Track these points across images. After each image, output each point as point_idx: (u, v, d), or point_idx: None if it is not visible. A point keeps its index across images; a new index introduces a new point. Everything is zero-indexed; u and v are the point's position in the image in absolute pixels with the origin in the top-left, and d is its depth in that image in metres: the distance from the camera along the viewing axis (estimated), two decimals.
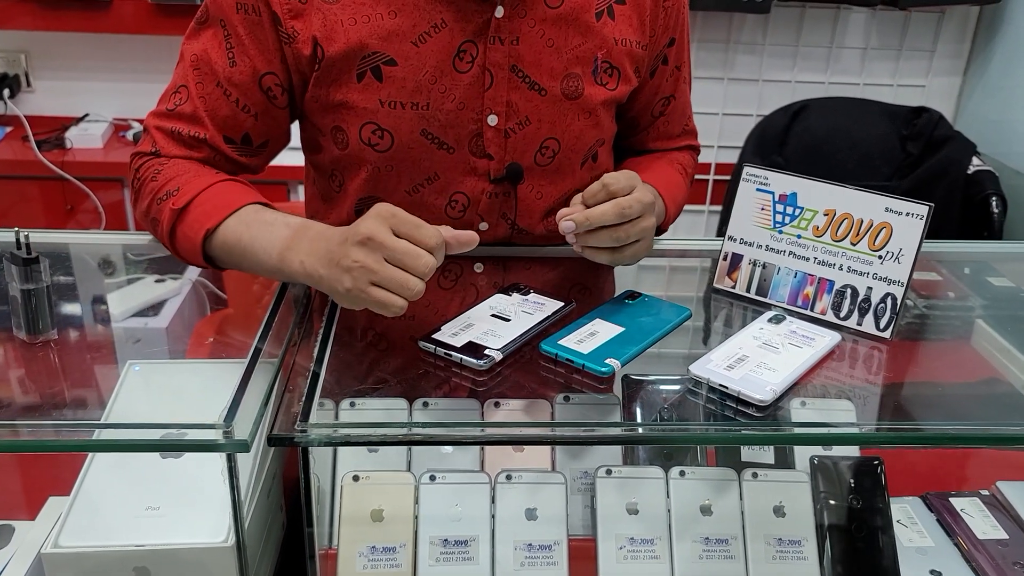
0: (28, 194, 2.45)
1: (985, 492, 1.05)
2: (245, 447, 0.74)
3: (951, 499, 1.04)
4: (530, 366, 0.90)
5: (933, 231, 2.14)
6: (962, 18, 2.45)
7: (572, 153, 1.09)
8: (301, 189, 1.49)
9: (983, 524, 1.00)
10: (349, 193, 1.10)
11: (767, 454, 0.98)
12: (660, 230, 1.22)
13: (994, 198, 2.07)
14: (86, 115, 2.58)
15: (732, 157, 2.41)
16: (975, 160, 2.16)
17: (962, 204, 2.13)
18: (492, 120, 1.04)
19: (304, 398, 0.79)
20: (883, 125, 2.22)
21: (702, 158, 2.67)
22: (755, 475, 0.93)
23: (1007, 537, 0.98)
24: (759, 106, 2.46)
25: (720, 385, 0.84)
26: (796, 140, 2.21)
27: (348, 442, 0.82)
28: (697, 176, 1.84)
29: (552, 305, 0.97)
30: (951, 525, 1.00)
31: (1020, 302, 1.22)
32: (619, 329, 0.93)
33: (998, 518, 1.01)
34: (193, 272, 1.21)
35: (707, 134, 2.52)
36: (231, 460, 0.76)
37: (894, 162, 2.21)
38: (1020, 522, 1.01)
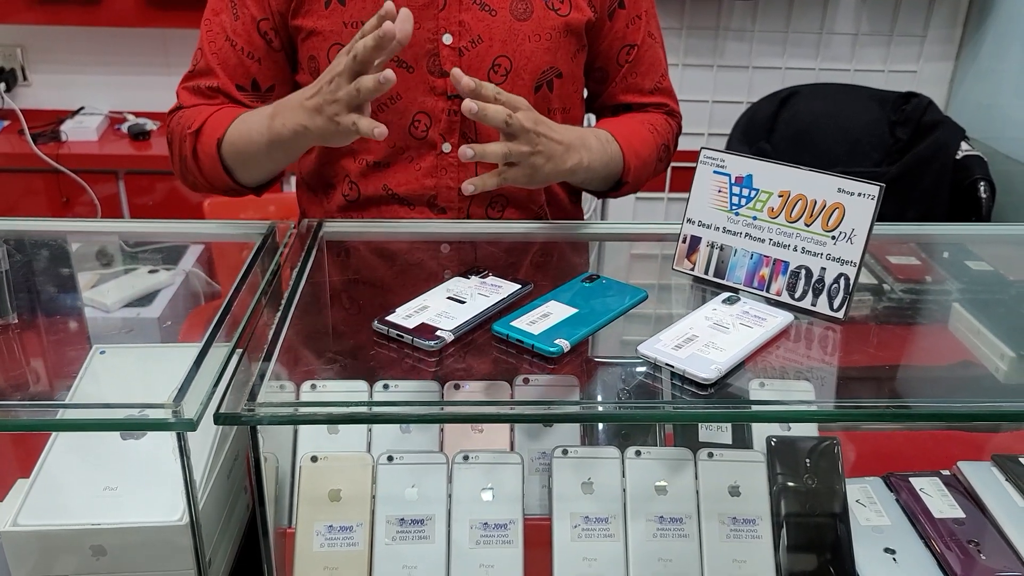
0: (24, 187, 2.48)
1: (946, 472, 1.06)
2: (191, 426, 0.75)
3: (911, 479, 1.04)
4: (483, 347, 0.91)
5: (922, 216, 2.14)
6: (953, 3, 2.44)
7: (524, 73, 1.17)
8: (293, 180, 1.61)
9: (941, 503, 1.00)
10: None
11: (725, 435, 0.98)
12: (624, 183, 1.26)
13: (982, 183, 2.07)
14: (81, 108, 2.61)
15: (723, 144, 2.41)
16: (964, 145, 2.15)
17: (951, 189, 2.13)
18: (447, 39, 1.14)
19: (255, 378, 0.80)
20: (872, 111, 2.22)
21: (691, 145, 2.66)
22: (711, 455, 0.94)
23: (964, 516, 0.98)
24: (749, 93, 2.45)
25: (666, 364, 0.85)
26: (784, 127, 2.21)
27: (295, 420, 0.83)
28: (685, 164, 1.86)
29: (509, 287, 0.98)
30: (909, 504, 1.00)
31: (997, 285, 1.22)
32: (572, 310, 0.93)
33: (956, 498, 1.01)
34: (187, 262, 1.24)
35: (697, 122, 2.53)
36: (181, 439, 0.78)
37: (883, 148, 2.20)
38: (979, 501, 1.01)
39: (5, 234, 1.00)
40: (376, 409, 0.85)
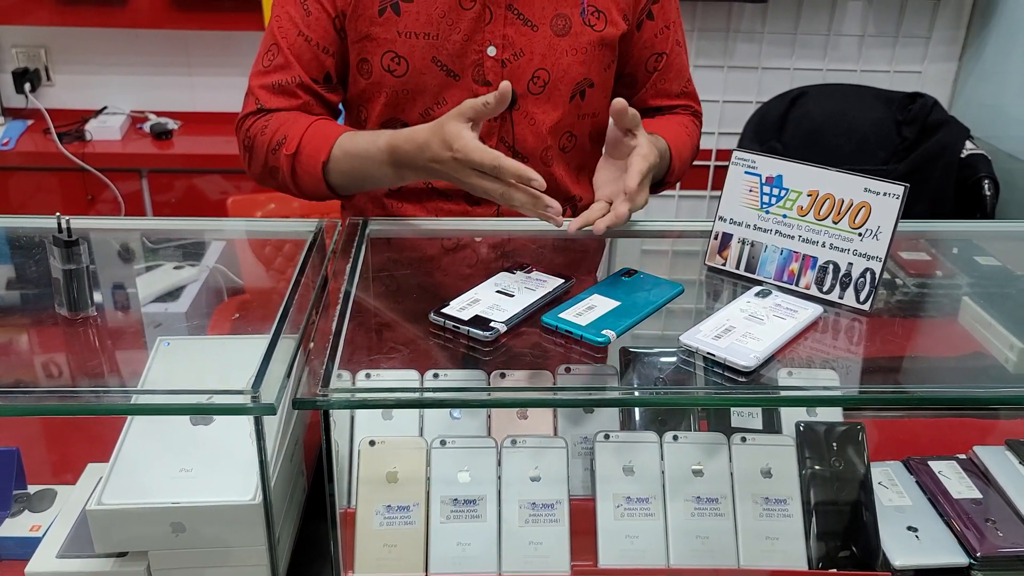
0: (49, 184, 2.53)
1: (962, 456, 1.12)
2: (272, 410, 0.81)
3: (930, 463, 1.10)
4: (533, 337, 0.97)
5: (928, 213, 2.20)
6: (957, 5, 2.50)
7: (561, 84, 1.25)
8: None
9: (959, 485, 1.06)
10: (372, 119, 1.27)
11: (756, 420, 1.04)
12: (665, 183, 1.35)
13: (987, 181, 2.13)
14: (105, 108, 2.66)
15: (733, 143, 2.47)
16: (968, 144, 2.21)
17: (956, 187, 2.19)
18: (491, 51, 1.21)
19: (324, 366, 0.86)
20: (879, 110, 2.28)
21: (702, 144, 2.74)
22: (743, 439, 1.00)
23: (981, 497, 1.05)
24: (759, 93, 2.51)
25: (708, 353, 0.90)
26: (794, 126, 2.27)
27: (365, 405, 0.89)
28: (698, 162, 1.92)
29: (553, 282, 1.04)
30: (929, 486, 1.06)
31: (1005, 279, 1.28)
32: (615, 303, 0.99)
33: (973, 480, 1.07)
34: (210, 259, 1.29)
35: (708, 121, 2.57)
36: (258, 423, 0.83)
37: (890, 146, 2.26)
38: (994, 483, 1.07)
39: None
40: (438, 395, 0.91)
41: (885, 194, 1.00)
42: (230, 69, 1.20)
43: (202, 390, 0.84)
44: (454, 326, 0.95)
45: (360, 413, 1.00)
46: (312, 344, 0.92)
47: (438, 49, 1.20)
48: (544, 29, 1.22)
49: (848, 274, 1.02)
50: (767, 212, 1.06)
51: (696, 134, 1.40)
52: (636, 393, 1.02)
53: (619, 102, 1.11)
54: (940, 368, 1.05)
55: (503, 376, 0.96)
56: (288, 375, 0.86)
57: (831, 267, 1.03)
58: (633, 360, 1.01)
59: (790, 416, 1.03)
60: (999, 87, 2.43)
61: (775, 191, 1.06)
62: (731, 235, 1.09)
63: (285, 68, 1.24)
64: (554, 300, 1.01)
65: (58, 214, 0.96)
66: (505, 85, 1.05)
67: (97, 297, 1.05)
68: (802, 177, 1.04)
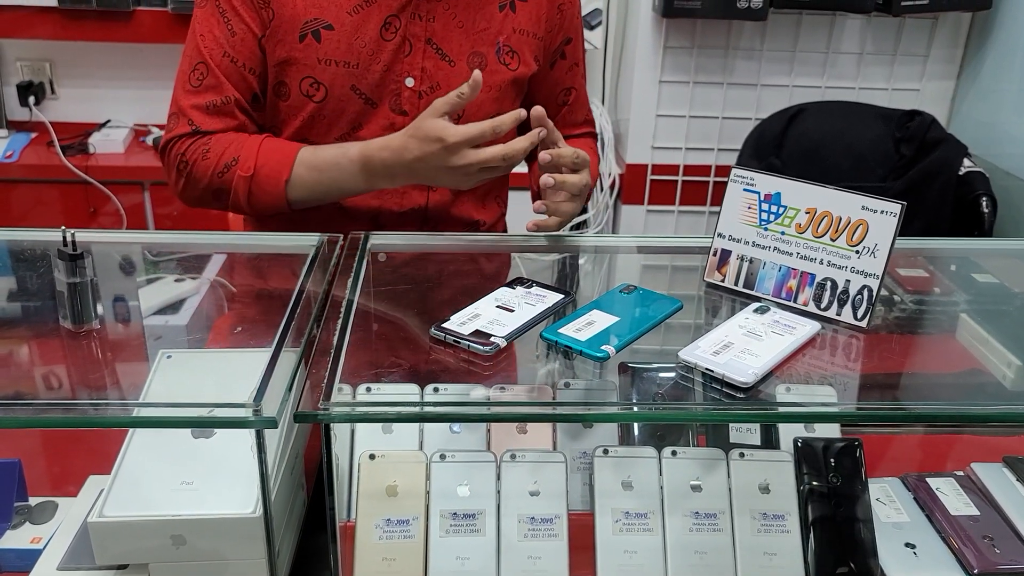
0: (52, 197, 2.54)
1: (960, 473, 1.12)
2: (273, 423, 0.81)
3: (928, 479, 1.10)
4: (533, 352, 0.97)
5: (926, 230, 2.21)
6: (954, 24, 2.51)
7: (473, 119, 1.25)
8: None
9: (957, 502, 1.07)
10: (284, 139, 1.27)
11: (754, 436, 1.05)
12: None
13: (984, 198, 2.14)
14: (108, 121, 2.67)
15: (732, 160, 2.48)
16: (966, 162, 2.22)
17: (954, 204, 2.20)
18: (409, 82, 1.25)
19: (326, 380, 0.87)
20: (877, 128, 2.29)
21: (702, 160, 2.75)
22: (742, 455, 1.00)
23: (978, 514, 1.05)
24: (757, 110, 2.52)
25: (707, 369, 0.91)
26: (793, 143, 2.28)
27: (366, 418, 0.89)
28: (697, 178, 1.92)
29: (553, 297, 1.05)
30: (927, 503, 1.07)
31: (1002, 297, 1.29)
32: (614, 319, 1.00)
33: (971, 497, 1.08)
34: (211, 271, 1.30)
35: (707, 137, 2.60)
36: (260, 436, 0.84)
37: (888, 164, 2.27)
38: (992, 500, 1.07)
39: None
40: (438, 409, 0.92)
41: (882, 212, 1.00)
42: None
43: (204, 403, 0.84)
44: (455, 340, 0.95)
45: (360, 427, 1.01)
46: (313, 358, 0.92)
47: (358, 78, 1.23)
48: (461, 65, 1.27)
49: (846, 291, 1.03)
50: (766, 229, 1.07)
51: (597, 153, 1.51)
52: (635, 408, 1.03)
53: (538, 109, 1.15)
54: (937, 385, 1.06)
55: (503, 390, 0.97)
56: (290, 389, 0.86)
57: (829, 284, 1.04)
58: (632, 375, 1.02)
59: (788, 432, 1.04)
60: (997, 105, 2.45)
61: (774, 208, 1.07)
62: (730, 252, 1.10)
63: (218, 88, 1.22)
64: (554, 315, 1.02)
65: (63, 228, 0.97)
66: (477, 74, 1.08)
67: (100, 310, 1.06)
68: (800, 195, 1.05)
